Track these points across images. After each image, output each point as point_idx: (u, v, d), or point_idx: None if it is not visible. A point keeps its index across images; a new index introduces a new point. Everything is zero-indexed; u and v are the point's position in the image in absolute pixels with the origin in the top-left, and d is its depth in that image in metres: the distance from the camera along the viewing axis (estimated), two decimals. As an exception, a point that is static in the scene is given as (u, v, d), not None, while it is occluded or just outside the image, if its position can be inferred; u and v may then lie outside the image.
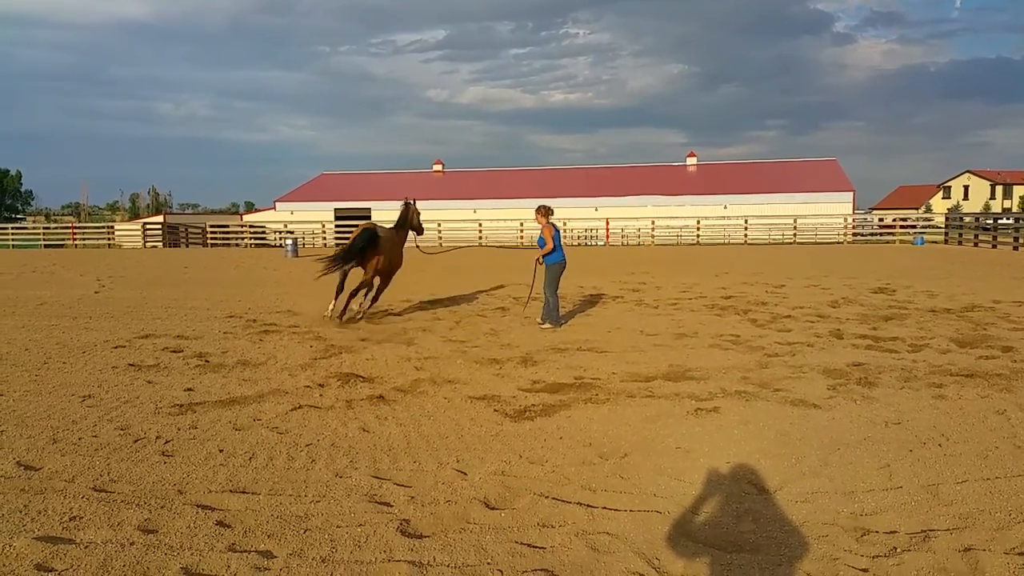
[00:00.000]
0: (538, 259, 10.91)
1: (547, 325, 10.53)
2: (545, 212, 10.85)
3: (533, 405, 6.38)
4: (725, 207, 46.98)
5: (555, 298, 10.69)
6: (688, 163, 60.03)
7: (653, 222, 41.50)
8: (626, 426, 5.78)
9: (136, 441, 5.45)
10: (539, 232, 10.88)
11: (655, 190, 51.55)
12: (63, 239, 45.24)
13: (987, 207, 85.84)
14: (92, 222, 73.52)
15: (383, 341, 9.51)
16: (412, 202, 12.16)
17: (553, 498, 4.37)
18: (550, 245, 10.61)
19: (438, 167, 63.74)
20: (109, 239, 45.18)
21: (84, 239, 45.44)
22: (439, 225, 42.57)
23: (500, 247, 32.39)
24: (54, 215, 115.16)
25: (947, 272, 18.77)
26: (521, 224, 42.32)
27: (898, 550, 3.67)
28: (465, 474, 4.79)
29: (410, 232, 12.13)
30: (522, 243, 39.38)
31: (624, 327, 10.49)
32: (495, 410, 6.26)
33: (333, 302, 10.98)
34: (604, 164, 68.04)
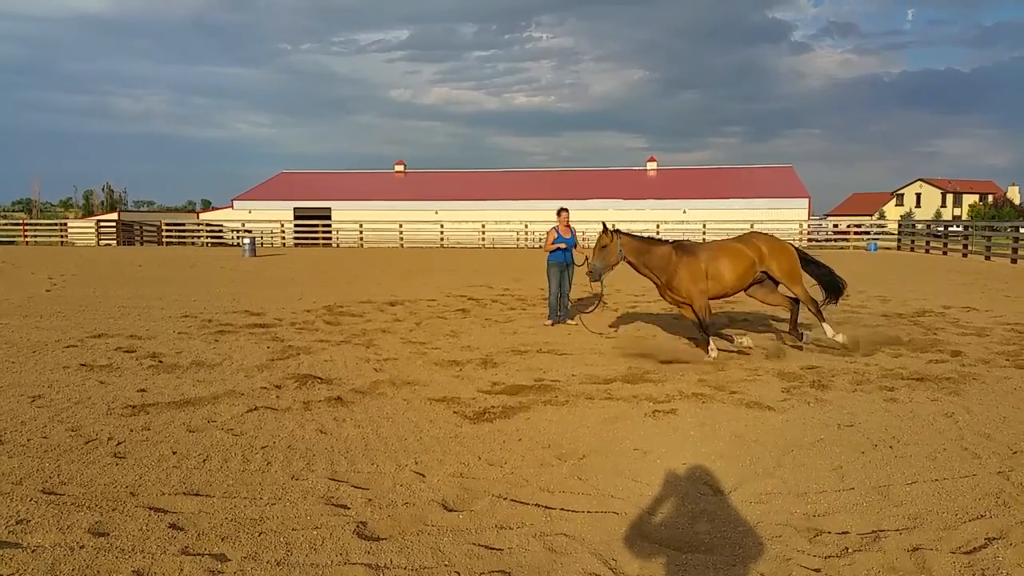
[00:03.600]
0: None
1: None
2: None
3: (492, 407, 6.38)
4: (684, 211, 47.41)
5: (552, 296, 11.52)
6: (649, 168, 60.48)
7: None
8: (585, 428, 5.81)
9: (87, 442, 5.33)
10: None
11: (616, 194, 51.80)
12: (13, 236, 44.00)
13: (938, 215, 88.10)
14: (44, 219, 71.47)
15: (342, 342, 9.43)
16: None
17: (511, 500, 4.37)
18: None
19: (400, 168, 63.37)
20: (62, 236, 44.12)
21: (35, 236, 44.27)
22: (400, 226, 42.49)
23: None
24: (3, 211, 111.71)
25: (899, 278, 19.21)
26: (483, 226, 42.34)
27: (849, 550, 3.75)
28: (423, 476, 4.77)
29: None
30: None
31: (583, 329, 10.55)
32: (454, 412, 6.25)
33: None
34: (566, 167, 68.31)
